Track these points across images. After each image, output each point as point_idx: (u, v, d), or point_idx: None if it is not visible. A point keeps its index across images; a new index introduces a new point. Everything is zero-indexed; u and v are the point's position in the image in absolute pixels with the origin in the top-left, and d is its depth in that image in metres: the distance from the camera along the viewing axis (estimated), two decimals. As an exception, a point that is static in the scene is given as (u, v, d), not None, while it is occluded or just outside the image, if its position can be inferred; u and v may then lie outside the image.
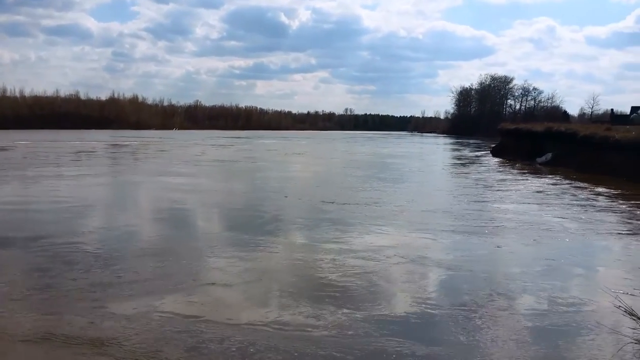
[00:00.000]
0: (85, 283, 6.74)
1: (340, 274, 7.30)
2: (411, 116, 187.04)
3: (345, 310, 5.91)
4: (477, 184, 19.40)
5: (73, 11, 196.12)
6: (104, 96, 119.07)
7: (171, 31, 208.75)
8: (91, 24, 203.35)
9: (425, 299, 6.42)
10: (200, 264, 7.84)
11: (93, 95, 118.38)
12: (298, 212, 12.50)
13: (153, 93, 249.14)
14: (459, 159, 37.51)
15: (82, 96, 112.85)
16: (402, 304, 6.23)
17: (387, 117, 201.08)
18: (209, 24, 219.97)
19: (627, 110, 67.61)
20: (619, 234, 10.91)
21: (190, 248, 8.77)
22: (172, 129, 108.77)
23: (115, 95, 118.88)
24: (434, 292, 6.80)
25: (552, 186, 19.15)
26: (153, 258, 7.96)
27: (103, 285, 6.67)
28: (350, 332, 5.30)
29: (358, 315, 5.74)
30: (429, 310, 6.08)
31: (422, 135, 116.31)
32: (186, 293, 6.44)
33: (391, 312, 5.97)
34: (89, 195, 15.08)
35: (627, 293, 6.49)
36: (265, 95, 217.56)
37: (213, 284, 6.87)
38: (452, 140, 79.47)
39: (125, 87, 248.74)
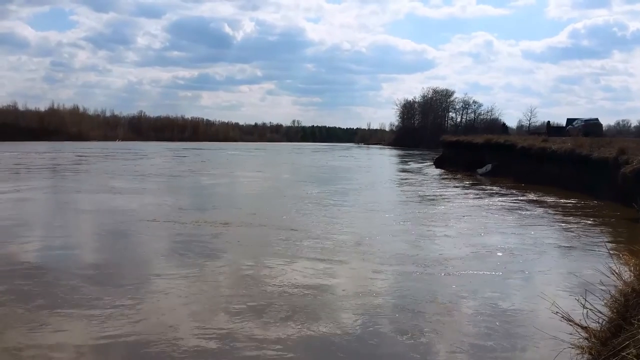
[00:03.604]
0: None
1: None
2: (357, 128, 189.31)
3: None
4: (419, 200, 19.47)
5: (9, 19, 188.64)
6: (43, 107, 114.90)
7: (112, 40, 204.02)
8: (28, 33, 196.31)
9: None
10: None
11: (32, 106, 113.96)
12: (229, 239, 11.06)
13: (94, 103, 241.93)
14: (403, 171, 38.13)
15: (21, 107, 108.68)
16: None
17: (334, 129, 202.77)
18: (151, 33, 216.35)
19: (563, 122, 70.73)
20: (558, 247, 11.31)
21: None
22: (115, 140, 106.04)
23: (55, 106, 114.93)
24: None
25: (493, 199, 19.68)
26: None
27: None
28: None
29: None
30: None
31: (368, 147, 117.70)
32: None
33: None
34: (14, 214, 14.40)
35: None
36: (212, 106, 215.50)
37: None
38: (397, 152, 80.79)
39: (65, 97, 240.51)
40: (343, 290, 7.48)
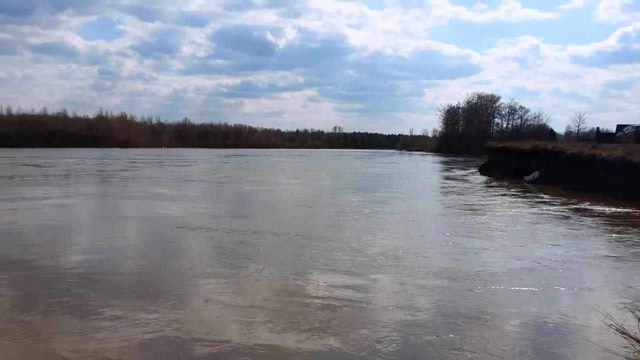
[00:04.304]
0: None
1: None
2: (399, 134, 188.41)
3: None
4: (463, 209, 19.19)
5: (59, 29, 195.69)
6: (91, 114, 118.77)
7: (158, 49, 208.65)
8: (77, 42, 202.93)
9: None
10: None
11: (80, 114, 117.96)
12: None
13: (141, 111, 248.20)
14: (446, 178, 37.63)
15: (70, 114, 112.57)
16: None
17: (375, 135, 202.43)
18: (196, 42, 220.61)
19: (613, 128, 68.79)
20: (610, 258, 10.98)
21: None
22: (161, 147, 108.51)
23: (103, 114, 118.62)
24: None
25: (541, 208, 19.25)
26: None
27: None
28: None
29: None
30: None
31: (410, 154, 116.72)
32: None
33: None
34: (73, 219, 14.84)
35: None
36: (254, 113, 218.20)
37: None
38: (440, 159, 79.85)
39: (112, 105, 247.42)
40: (378, 304, 7.24)
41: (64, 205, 17.11)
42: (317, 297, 7.45)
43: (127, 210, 16.42)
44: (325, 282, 8.20)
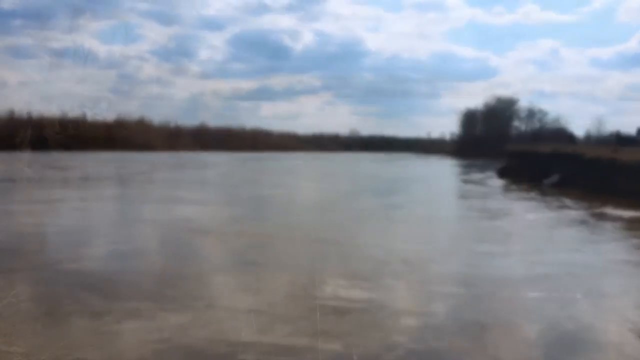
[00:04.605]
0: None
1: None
2: (417, 138, 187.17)
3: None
4: (480, 213, 18.94)
5: (78, 33, 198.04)
6: (110, 118, 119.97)
7: (176, 53, 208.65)
8: (96, 46, 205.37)
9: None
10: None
11: (99, 117, 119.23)
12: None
13: (159, 115, 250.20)
14: (464, 182, 37.29)
15: (89, 118, 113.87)
16: None
17: (392, 138, 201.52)
18: (213, 46, 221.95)
19: (634, 132, 67.65)
20: (630, 262, 10.79)
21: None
22: (179, 150, 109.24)
23: (122, 117, 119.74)
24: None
25: (560, 212, 19.02)
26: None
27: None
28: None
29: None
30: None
31: (428, 157, 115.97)
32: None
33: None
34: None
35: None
36: (271, 116, 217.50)
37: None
38: (457, 162, 79.21)
39: (131, 109, 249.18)
40: (389, 309, 7.13)
41: (81, 208, 17.27)
42: (328, 301, 7.37)
43: (143, 213, 16.56)
44: (337, 286, 8.14)
